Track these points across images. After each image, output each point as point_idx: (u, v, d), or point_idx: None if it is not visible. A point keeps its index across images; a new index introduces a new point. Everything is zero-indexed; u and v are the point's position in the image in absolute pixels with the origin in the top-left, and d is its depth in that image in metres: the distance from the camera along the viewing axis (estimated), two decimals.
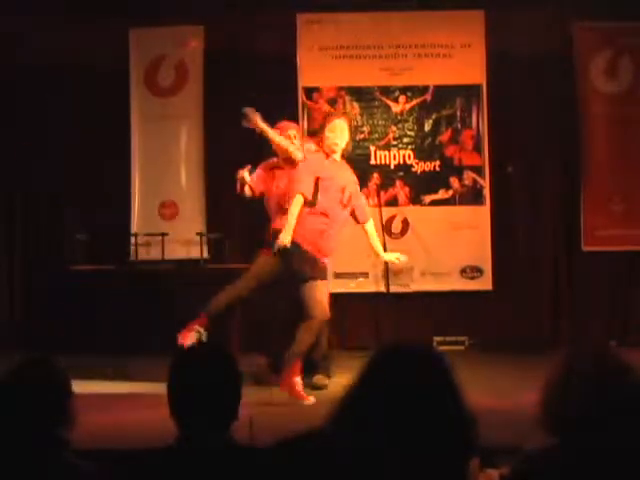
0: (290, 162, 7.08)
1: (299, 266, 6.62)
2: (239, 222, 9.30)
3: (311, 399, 6.30)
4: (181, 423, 2.72)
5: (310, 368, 7.15)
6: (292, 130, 7.36)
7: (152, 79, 9.22)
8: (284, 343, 7.18)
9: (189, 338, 6.83)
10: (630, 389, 2.45)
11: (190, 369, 2.77)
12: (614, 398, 2.43)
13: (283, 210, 6.88)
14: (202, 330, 6.85)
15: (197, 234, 8.86)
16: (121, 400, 6.63)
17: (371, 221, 7.27)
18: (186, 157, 9.17)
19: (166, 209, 9.10)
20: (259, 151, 9.28)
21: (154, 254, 8.94)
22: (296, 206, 6.66)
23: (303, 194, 6.67)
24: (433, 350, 2.56)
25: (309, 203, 6.69)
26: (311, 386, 7.14)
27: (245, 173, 7.24)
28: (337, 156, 6.85)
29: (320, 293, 6.62)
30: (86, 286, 9.01)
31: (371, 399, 2.41)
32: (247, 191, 7.35)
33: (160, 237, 8.80)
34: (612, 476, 2.40)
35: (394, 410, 2.37)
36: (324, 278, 6.77)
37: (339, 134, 6.82)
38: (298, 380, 6.49)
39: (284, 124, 7.45)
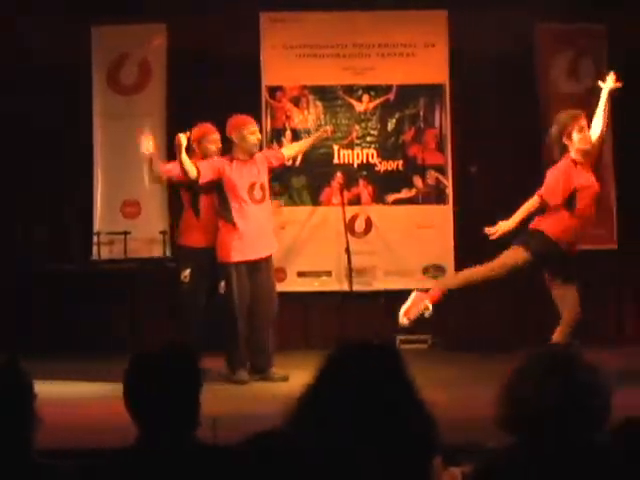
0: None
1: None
2: None
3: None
4: (140, 424, 2.71)
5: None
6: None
7: (115, 77, 9.16)
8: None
9: (413, 312, 6.74)
10: (584, 388, 2.47)
11: (147, 369, 2.75)
12: (567, 398, 2.45)
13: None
14: (430, 306, 6.75)
15: (160, 233, 8.82)
16: (83, 400, 6.60)
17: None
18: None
19: (129, 208, 9.05)
20: (223, 149, 9.30)
21: (117, 253, 8.89)
22: None
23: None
24: (389, 348, 2.57)
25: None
26: (270, 379, 7.23)
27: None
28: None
29: None
30: (48, 285, 8.96)
31: (329, 398, 2.42)
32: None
33: (123, 236, 8.76)
34: (569, 476, 2.42)
35: (352, 409, 2.37)
36: None
37: None
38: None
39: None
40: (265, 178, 7.59)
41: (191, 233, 7.71)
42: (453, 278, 7.10)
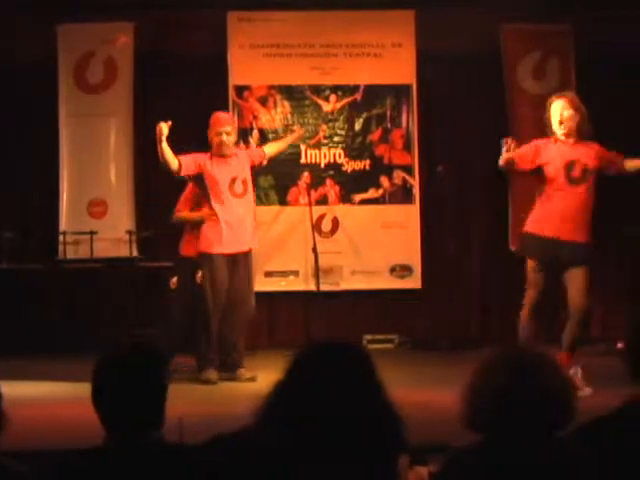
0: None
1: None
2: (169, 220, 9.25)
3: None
4: (106, 424, 2.70)
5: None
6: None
7: (81, 76, 9.10)
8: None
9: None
10: (547, 387, 2.48)
11: (114, 370, 2.74)
12: (530, 397, 2.46)
13: None
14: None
15: (126, 232, 8.79)
16: (49, 400, 6.56)
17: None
18: (115, 155, 9.08)
19: (95, 207, 9.00)
20: (189, 148, 9.27)
21: (83, 253, 8.85)
22: None
23: None
24: (356, 348, 2.58)
25: None
26: (238, 380, 7.21)
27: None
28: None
29: None
30: (13, 285, 8.90)
31: (295, 398, 2.42)
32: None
33: (89, 236, 8.72)
34: (534, 474, 2.43)
35: (319, 409, 2.38)
36: None
37: None
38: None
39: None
40: (247, 174, 7.56)
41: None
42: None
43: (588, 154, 6.58)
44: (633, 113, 8.70)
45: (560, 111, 6.59)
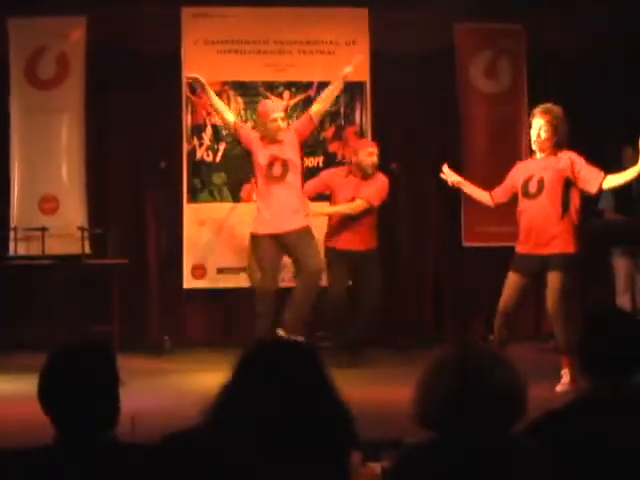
0: None
1: None
2: (121, 217, 9.21)
3: None
4: (56, 423, 2.68)
5: None
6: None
7: (32, 71, 8.99)
8: None
9: None
10: (498, 384, 2.50)
11: (63, 368, 2.72)
12: (481, 394, 2.48)
13: None
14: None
15: (78, 229, 8.72)
16: None
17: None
18: (67, 151, 9.00)
19: (46, 203, 8.92)
20: (142, 145, 9.23)
21: (34, 249, 8.76)
22: None
23: None
24: (303, 345, 2.58)
25: None
26: None
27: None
28: None
29: None
30: None
31: (245, 396, 2.42)
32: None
33: (40, 232, 8.64)
34: (485, 471, 2.45)
35: (268, 406, 2.38)
36: None
37: None
38: None
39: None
40: (291, 155, 7.73)
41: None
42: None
43: (550, 167, 6.72)
44: (584, 112, 8.77)
45: (536, 128, 6.74)
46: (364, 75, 9.32)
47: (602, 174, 6.67)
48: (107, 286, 8.99)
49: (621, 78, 9.25)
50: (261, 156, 7.71)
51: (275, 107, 8.01)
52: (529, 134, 6.93)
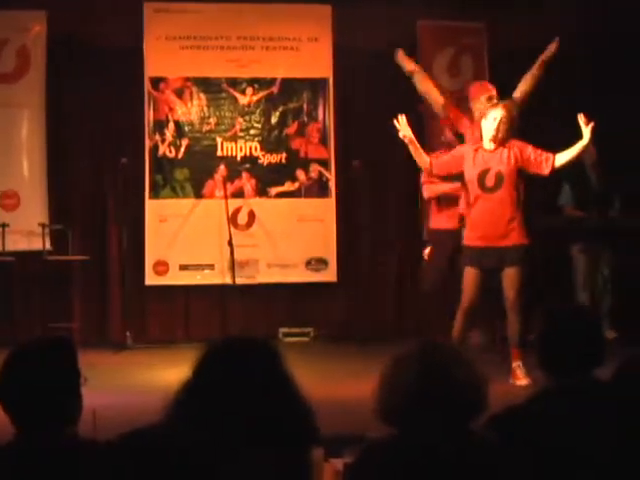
0: None
1: None
2: (82, 213, 9.15)
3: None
4: (16, 421, 2.66)
5: None
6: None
7: None
8: None
9: None
10: (459, 380, 2.51)
11: (23, 365, 2.70)
12: (442, 390, 2.49)
13: None
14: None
15: (39, 225, 8.66)
16: None
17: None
18: (28, 146, 8.93)
19: (7, 199, 8.85)
20: (104, 141, 9.18)
21: None
22: None
23: None
24: (262, 342, 2.58)
25: None
26: None
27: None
28: None
29: None
30: None
31: (205, 392, 2.42)
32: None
33: (0, 228, 8.58)
34: (446, 466, 2.47)
35: (229, 402, 2.38)
36: None
37: None
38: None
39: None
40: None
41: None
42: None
43: (505, 160, 6.74)
44: (544, 108, 8.82)
45: (494, 119, 6.74)
46: (327, 71, 9.34)
47: (551, 155, 6.75)
48: (68, 282, 8.96)
49: (588, 76, 9.31)
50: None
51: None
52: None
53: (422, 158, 6.95)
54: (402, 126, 6.88)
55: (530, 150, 6.77)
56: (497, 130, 6.73)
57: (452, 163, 6.92)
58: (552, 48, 7.54)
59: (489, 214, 6.74)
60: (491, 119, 6.75)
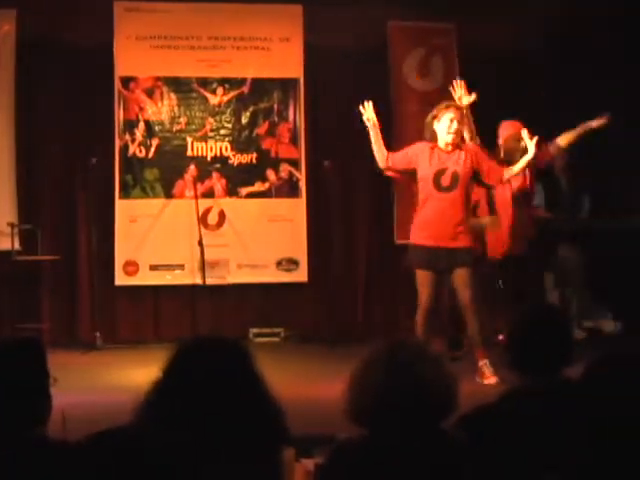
0: None
1: None
2: (52, 213, 9.10)
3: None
4: None
5: None
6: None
7: None
8: None
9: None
10: (428, 380, 2.52)
11: None
12: (411, 390, 2.50)
13: None
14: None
15: (8, 225, 8.60)
16: None
17: None
18: None
19: None
20: (74, 140, 9.13)
21: None
22: None
23: None
24: (232, 342, 2.58)
25: None
26: None
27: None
28: None
29: None
30: None
31: (175, 393, 2.41)
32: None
33: None
34: (411, 466, 2.47)
35: (198, 403, 2.38)
36: None
37: None
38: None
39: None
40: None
41: None
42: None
43: (461, 161, 6.80)
44: (514, 110, 8.86)
45: (448, 121, 6.76)
46: (298, 71, 9.34)
47: (501, 168, 6.91)
48: (38, 282, 8.91)
49: (555, 78, 9.36)
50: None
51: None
52: None
53: (381, 148, 6.97)
54: (367, 110, 6.90)
55: (485, 159, 6.89)
56: (452, 131, 6.76)
57: (407, 159, 6.93)
58: (602, 122, 7.61)
59: (440, 214, 6.77)
60: (446, 120, 6.78)
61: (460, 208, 6.78)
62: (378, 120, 6.97)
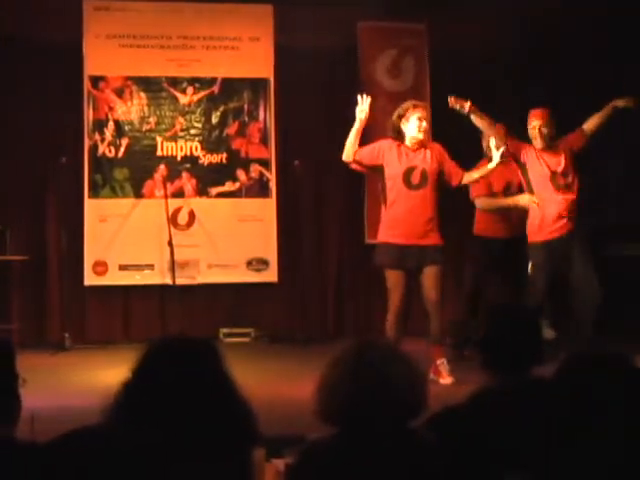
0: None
1: None
2: (20, 213, 9.04)
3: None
4: None
5: None
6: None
7: None
8: None
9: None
10: (398, 380, 2.53)
11: None
12: (381, 389, 2.51)
13: None
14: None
15: None
16: None
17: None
18: None
19: None
20: (43, 140, 9.09)
21: None
22: None
23: None
24: (202, 342, 2.58)
25: None
26: None
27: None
28: None
29: None
30: None
31: (145, 393, 2.41)
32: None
33: None
34: (385, 465, 2.48)
35: (167, 403, 2.38)
36: None
37: None
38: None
39: None
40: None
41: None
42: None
43: (429, 160, 6.84)
44: (485, 111, 8.90)
45: (417, 121, 6.77)
46: (268, 71, 9.34)
47: (461, 171, 6.95)
48: (6, 283, 8.85)
49: (525, 77, 9.40)
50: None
51: None
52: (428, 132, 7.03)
53: (355, 143, 6.93)
54: (364, 103, 6.88)
55: (448, 159, 6.92)
56: (420, 130, 6.77)
57: (374, 154, 6.90)
58: (630, 102, 7.26)
59: (410, 212, 6.77)
60: (415, 120, 6.79)
61: (430, 205, 6.79)
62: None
